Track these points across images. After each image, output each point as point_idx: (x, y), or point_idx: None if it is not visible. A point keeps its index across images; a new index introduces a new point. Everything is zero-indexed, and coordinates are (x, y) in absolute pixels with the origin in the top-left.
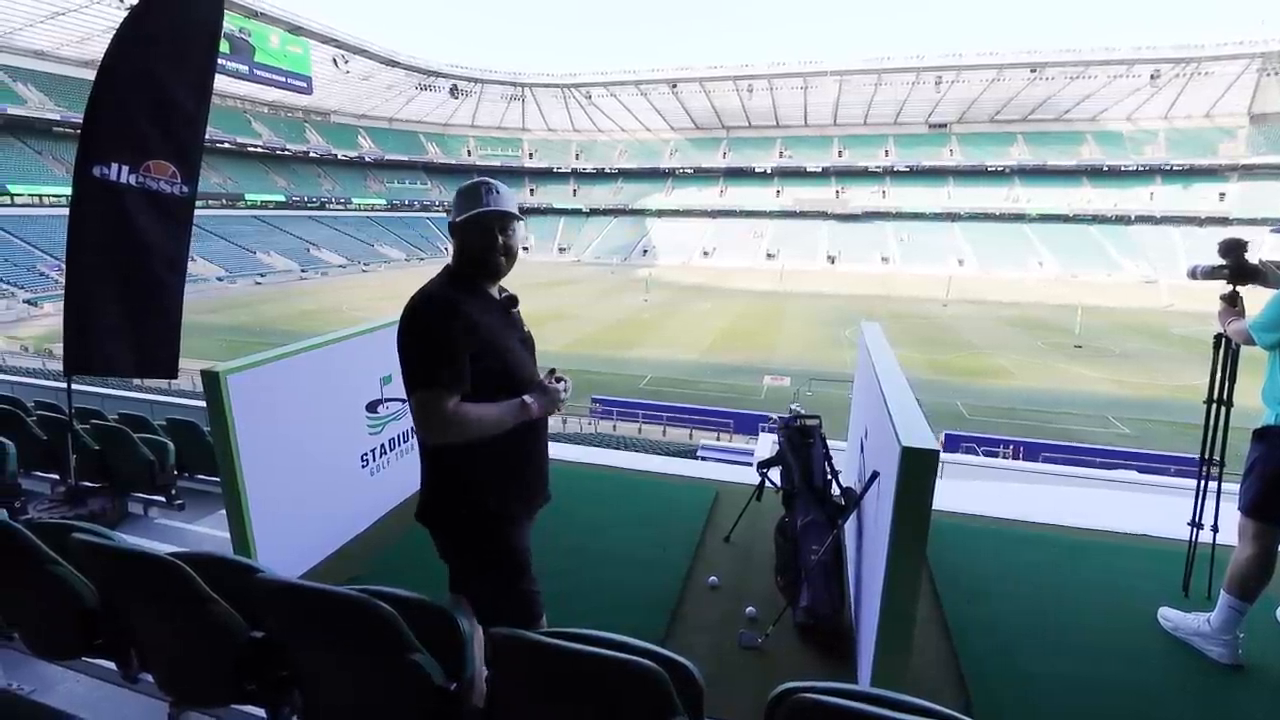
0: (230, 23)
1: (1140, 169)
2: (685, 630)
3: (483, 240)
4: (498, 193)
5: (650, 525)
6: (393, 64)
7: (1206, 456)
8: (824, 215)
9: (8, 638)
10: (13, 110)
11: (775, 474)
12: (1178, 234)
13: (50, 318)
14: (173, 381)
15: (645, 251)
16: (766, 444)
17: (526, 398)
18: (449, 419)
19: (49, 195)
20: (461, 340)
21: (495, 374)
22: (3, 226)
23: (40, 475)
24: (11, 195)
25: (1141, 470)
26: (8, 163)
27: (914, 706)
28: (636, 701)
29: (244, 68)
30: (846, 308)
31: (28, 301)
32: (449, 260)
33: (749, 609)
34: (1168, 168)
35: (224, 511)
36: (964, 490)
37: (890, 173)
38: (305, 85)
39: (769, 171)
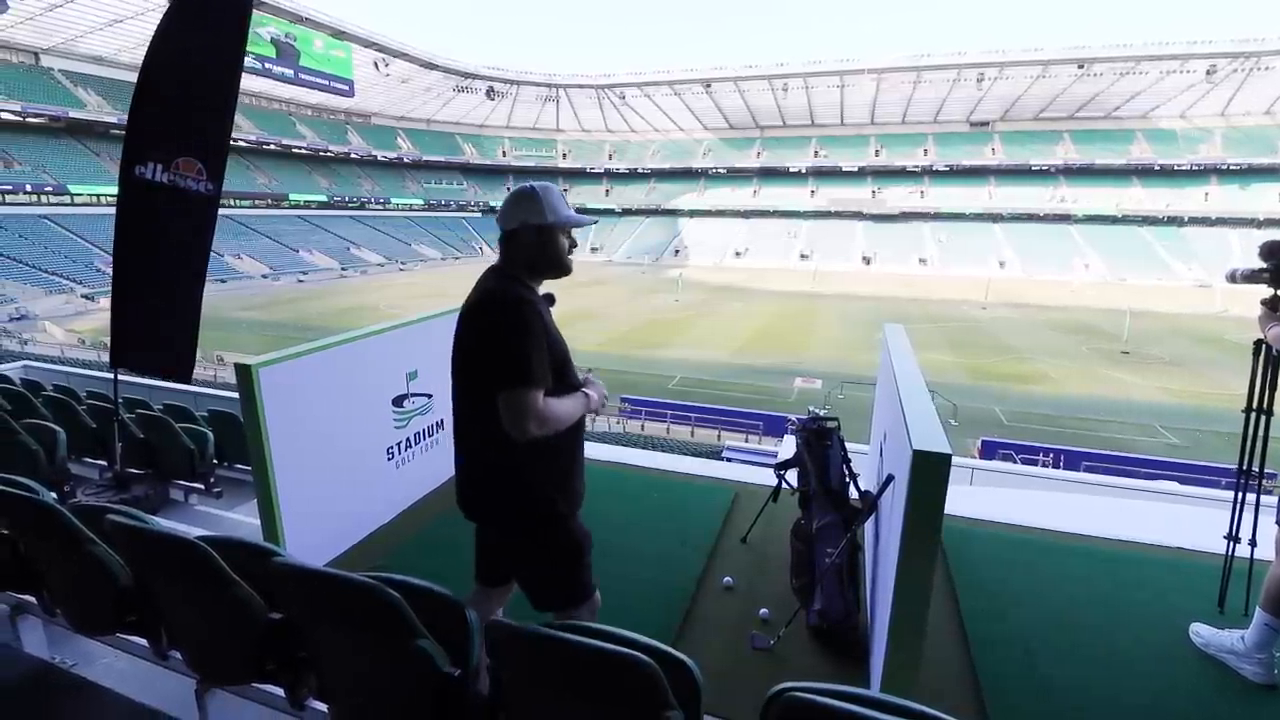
0: (277, 28)
1: (1195, 168)
2: (698, 630)
3: (568, 244)
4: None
5: (668, 524)
6: (431, 66)
7: (1245, 467)
8: (860, 215)
9: (51, 614)
10: (74, 114)
11: (792, 475)
12: (1234, 236)
13: (106, 312)
14: (216, 374)
15: (677, 252)
16: (790, 446)
17: (588, 390)
18: (540, 414)
19: (106, 195)
20: (543, 339)
21: (554, 370)
22: (64, 224)
23: (89, 461)
24: (72, 195)
25: (1183, 481)
26: (69, 164)
27: (913, 712)
28: (631, 694)
29: (289, 71)
30: (881, 310)
31: (85, 296)
32: (497, 261)
33: (762, 611)
34: (1224, 167)
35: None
36: (994, 498)
37: (929, 172)
38: (347, 88)
39: (803, 171)
